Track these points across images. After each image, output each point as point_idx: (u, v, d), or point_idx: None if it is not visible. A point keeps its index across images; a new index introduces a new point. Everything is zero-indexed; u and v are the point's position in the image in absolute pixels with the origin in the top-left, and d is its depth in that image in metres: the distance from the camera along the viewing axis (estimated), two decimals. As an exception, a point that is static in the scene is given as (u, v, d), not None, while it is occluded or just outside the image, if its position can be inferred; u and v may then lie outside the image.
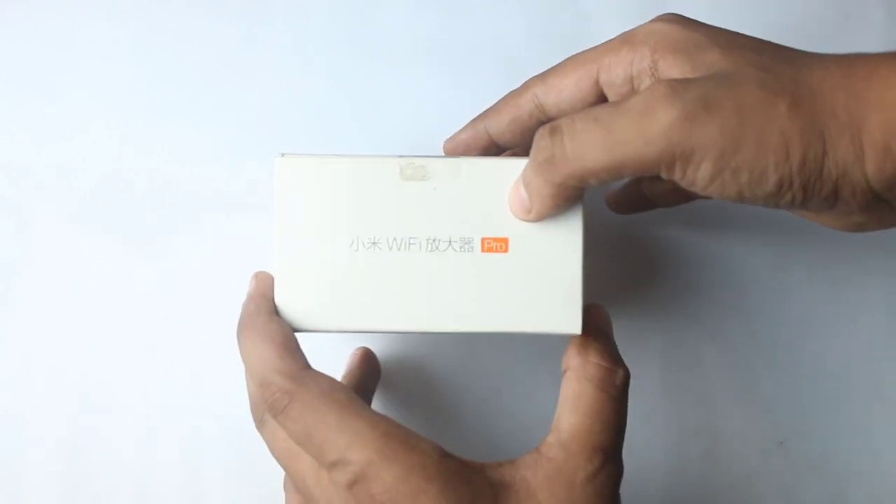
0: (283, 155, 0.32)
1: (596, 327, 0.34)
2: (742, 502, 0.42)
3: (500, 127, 0.35)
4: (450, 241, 0.31)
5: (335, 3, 0.44)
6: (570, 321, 0.31)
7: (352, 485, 0.30)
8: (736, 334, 0.43)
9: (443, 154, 0.39)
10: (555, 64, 0.34)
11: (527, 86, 0.34)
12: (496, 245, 0.31)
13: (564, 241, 0.31)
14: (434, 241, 0.31)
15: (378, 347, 0.42)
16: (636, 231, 0.42)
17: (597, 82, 0.32)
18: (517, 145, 0.36)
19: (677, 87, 0.28)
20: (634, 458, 0.38)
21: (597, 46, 0.33)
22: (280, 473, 0.41)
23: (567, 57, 0.34)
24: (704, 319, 0.43)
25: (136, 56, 0.43)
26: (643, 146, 0.28)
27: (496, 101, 0.36)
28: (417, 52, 0.44)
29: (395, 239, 0.31)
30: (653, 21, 0.32)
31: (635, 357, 0.43)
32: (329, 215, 0.32)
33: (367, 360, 0.41)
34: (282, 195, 0.32)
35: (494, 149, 0.36)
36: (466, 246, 0.31)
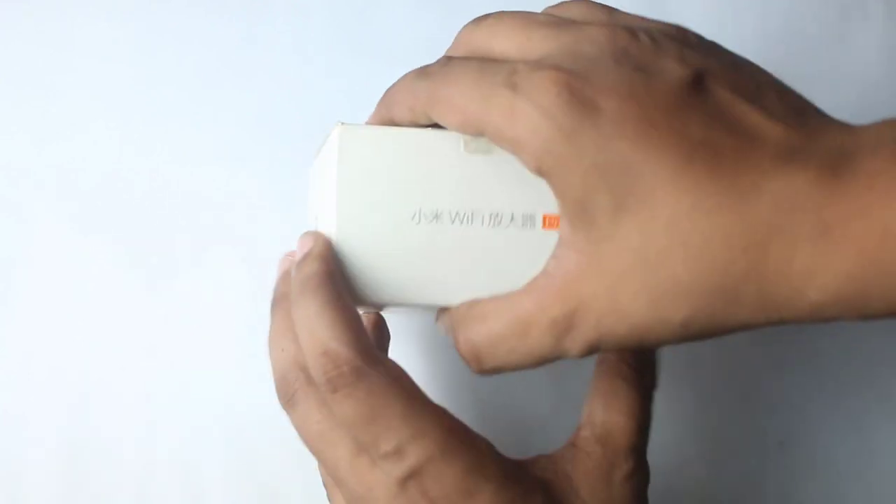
0: (343, 124, 0.31)
1: None
2: (742, 502, 0.42)
3: (403, 123, 0.32)
4: (512, 217, 0.30)
5: (335, 3, 0.44)
6: None
7: (405, 479, 0.29)
8: (737, 334, 0.43)
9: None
10: (438, 70, 0.30)
11: (415, 96, 0.31)
12: (557, 222, 0.30)
13: None
14: (497, 215, 0.30)
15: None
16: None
17: (484, 134, 0.28)
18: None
19: (573, 322, 0.27)
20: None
21: (483, 91, 0.28)
22: (279, 473, 0.41)
23: (452, 65, 0.30)
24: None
25: (136, 56, 0.43)
26: (564, 357, 0.28)
27: (392, 89, 0.33)
28: (417, 52, 0.44)
29: (457, 212, 0.30)
30: (535, 106, 0.26)
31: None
32: (390, 187, 0.30)
33: (379, 326, 0.38)
34: (341, 164, 0.30)
35: None
36: (528, 222, 0.30)
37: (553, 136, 0.26)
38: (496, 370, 0.29)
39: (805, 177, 0.25)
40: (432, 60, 0.45)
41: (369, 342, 0.30)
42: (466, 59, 0.30)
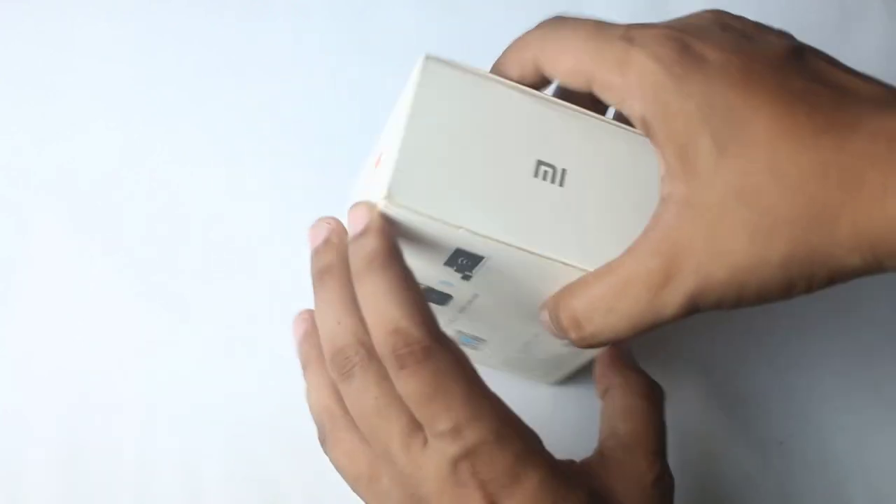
0: (427, 57, 0.32)
1: (624, 352, 0.36)
2: (742, 502, 0.42)
3: (512, 79, 0.33)
4: (554, 170, 0.31)
5: (335, 3, 0.44)
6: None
7: (459, 459, 0.29)
8: (736, 334, 0.43)
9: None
10: (555, 19, 0.32)
11: (527, 43, 0.32)
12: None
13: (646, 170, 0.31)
14: (547, 164, 0.31)
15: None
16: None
17: (589, 85, 0.30)
18: (540, 89, 0.33)
19: (672, 272, 0.28)
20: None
21: (598, 40, 0.30)
22: (279, 473, 0.41)
23: (567, 21, 0.31)
24: (704, 319, 0.43)
25: (136, 56, 0.43)
26: (660, 321, 0.29)
27: (502, 54, 0.34)
28: (417, 52, 0.44)
29: (513, 158, 0.31)
30: (648, 50, 0.29)
31: (635, 357, 0.43)
32: (456, 124, 0.31)
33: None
34: (418, 94, 0.32)
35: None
36: (562, 177, 0.31)
37: (663, 81, 0.28)
38: (595, 337, 0.30)
39: None
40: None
41: (437, 323, 0.30)
42: (580, 18, 0.31)
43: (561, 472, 0.31)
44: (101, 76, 0.43)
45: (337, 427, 0.32)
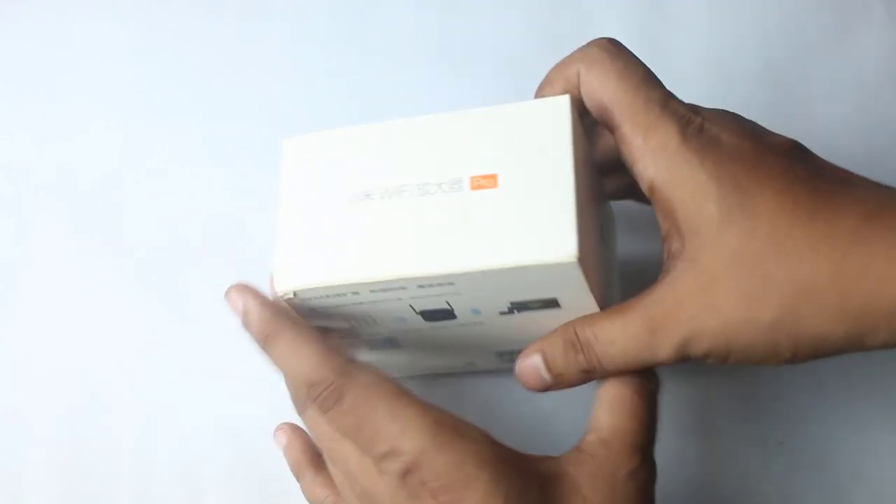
0: (287, 139, 0.33)
1: None
2: (742, 502, 0.42)
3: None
4: (439, 184, 0.31)
5: (335, 3, 0.44)
6: (566, 248, 0.30)
7: (405, 474, 0.30)
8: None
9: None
10: (602, 43, 0.33)
11: (574, 60, 0.33)
12: (485, 181, 0.31)
13: (555, 167, 0.31)
14: (424, 185, 0.31)
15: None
16: (635, 230, 0.42)
17: (611, 129, 0.32)
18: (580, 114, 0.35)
19: (668, 316, 0.30)
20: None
21: (636, 99, 0.31)
22: (279, 473, 0.41)
23: (621, 53, 0.32)
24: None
25: (136, 56, 0.43)
26: (662, 360, 0.31)
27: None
28: (417, 52, 0.44)
29: (386, 188, 0.31)
30: (675, 123, 0.31)
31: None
32: (326, 179, 0.32)
33: None
34: (286, 171, 0.33)
35: None
36: (455, 186, 0.31)
37: (681, 154, 0.30)
38: (599, 362, 0.32)
39: (890, 195, 0.30)
40: (432, 60, 0.45)
41: (341, 359, 0.32)
42: (632, 55, 0.33)
43: (514, 471, 0.31)
44: (101, 76, 0.43)
45: (305, 474, 0.37)
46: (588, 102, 0.32)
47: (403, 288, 0.31)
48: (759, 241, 0.29)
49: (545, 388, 0.34)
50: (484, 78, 0.44)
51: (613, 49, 0.33)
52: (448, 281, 0.31)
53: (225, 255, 0.43)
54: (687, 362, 0.31)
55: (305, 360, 0.32)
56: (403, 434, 0.30)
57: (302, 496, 0.41)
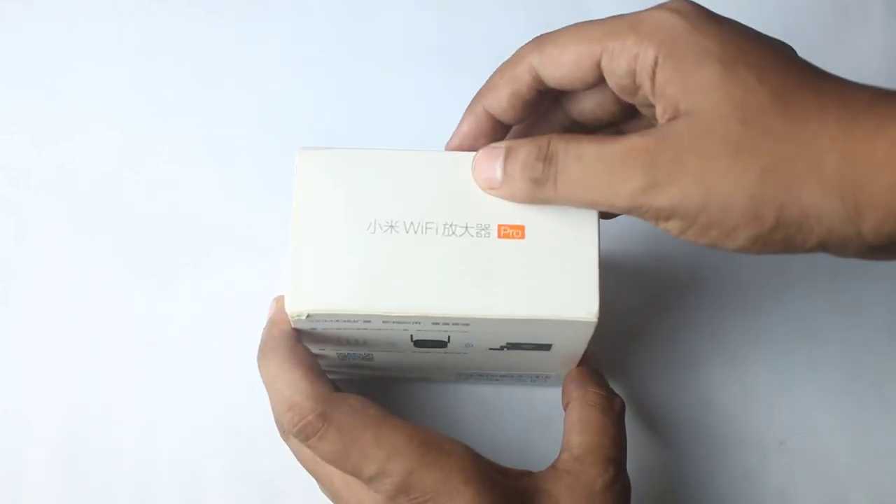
0: (303, 149, 0.32)
1: (590, 367, 0.37)
2: (742, 502, 0.42)
3: (500, 104, 0.33)
4: (466, 227, 0.31)
5: (335, 3, 0.44)
6: (587, 306, 0.31)
7: (395, 495, 0.31)
8: (736, 334, 0.43)
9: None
10: (549, 31, 0.32)
11: (521, 55, 0.32)
12: (513, 232, 0.31)
13: (580, 229, 0.31)
14: (451, 226, 0.31)
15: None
16: (635, 230, 0.42)
17: (598, 64, 0.30)
18: (521, 120, 0.34)
19: (651, 148, 0.28)
20: (634, 458, 0.38)
21: (600, 22, 0.30)
22: (279, 473, 0.41)
23: (566, 25, 0.31)
24: (704, 319, 0.43)
25: (136, 56, 0.43)
26: (613, 198, 0.29)
27: (489, 78, 0.33)
28: (417, 52, 0.44)
29: (412, 223, 0.31)
30: (663, 7, 0.29)
31: (635, 357, 0.43)
32: (346, 201, 0.31)
33: None
34: (300, 185, 0.32)
35: (501, 130, 0.34)
36: (483, 231, 0.31)
37: (679, 25, 0.29)
38: (555, 179, 0.30)
39: None
40: (432, 60, 0.45)
41: (327, 386, 0.32)
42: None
43: (497, 485, 0.32)
44: (101, 76, 0.43)
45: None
46: (564, 74, 0.31)
47: (417, 322, 0.31)
48: (764, 93, 0.27)
49: (490, 186, 0.31)
50: (484, 78, 0.44)
51: (552, 31, 0.32)
52: (465, 322, 0.31)
53: (225, 255, 0.43)
54: (639, 218, 0.29)
55: (291, 384, 0.32)
56: (391, 458, 0.31)
57: (302, 496, 0.41)
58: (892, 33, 0.46)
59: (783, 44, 0.29)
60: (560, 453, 0.35)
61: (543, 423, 0.42)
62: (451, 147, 0.34)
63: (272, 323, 0.34)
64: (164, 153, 0.43)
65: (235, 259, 0.43)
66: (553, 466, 0.35)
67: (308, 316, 0.31)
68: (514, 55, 0.32)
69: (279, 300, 0.33)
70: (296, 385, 0.32)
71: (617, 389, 0.38)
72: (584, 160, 0.29)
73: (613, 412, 0.36)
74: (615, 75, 0.30)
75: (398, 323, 0.31)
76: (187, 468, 0.42)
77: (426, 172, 0.32)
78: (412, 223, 0.31)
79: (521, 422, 0.42)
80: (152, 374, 0.42)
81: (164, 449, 0.42)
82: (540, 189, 0.30)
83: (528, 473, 0.34)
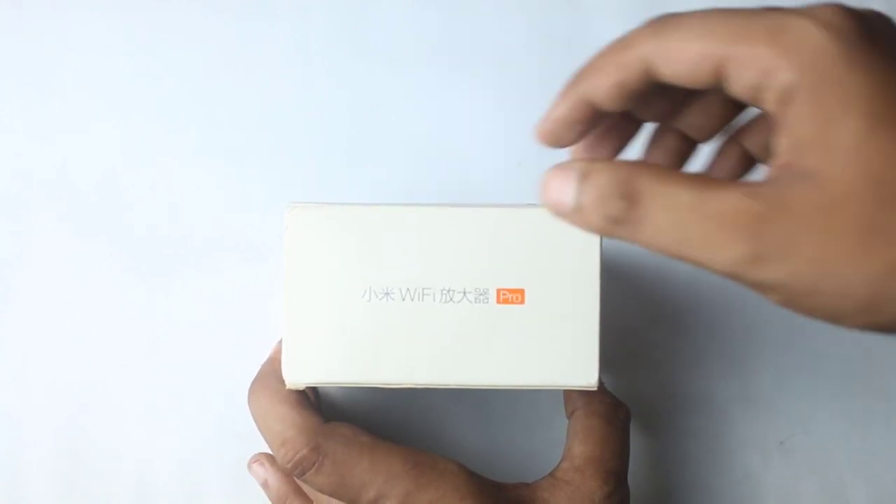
0: (293, 204, 0.31)
1: None
2: (742, 502, 0.42)
3: (603, 92, 0.27)
4: (464, 292, 0.31)
5: (335, 3, 0.44)
6: (587, 375, 0.31)
7: None
8: (736, 334, 0.43)
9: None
10: (667, 15, 0.26)
11: (634, 41, 0.26)
12: (512, 296, 0.30)
13: (581, 293, 0.31)
14: (448, 291, 0.31)
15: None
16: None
17: (720, 69, 0.25)
18: (623, 110, 0.28)
19: (763, 215, 0.23)
20: (635, 458, 0.38)
21: (733, 16, 0.25)
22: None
23: (688, 12, 0.26)
24: (704, 319, 0.43)
25: (135, 56, 0.43)
26: (707, 262, 0.24)
27: (592, 57, 0.28)
28: (417, 52, 0.44)
29: (408, 289, 0.31)
30: (813, 16, 0.24)
31: (635, 357, 0.43)
32: (340, 264, 0.31)
33: None
34: (292, 244, 0.31)
35: (599, 120, 0.28)
36: (482, 297, 0.30)
37: (829, 49, 0.23)
38: (634, 223, 0.25)
39: None
40: (433, 60, 0.45)
41: (318, 418, 0.33)
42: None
43: (490, 499, 0.33)
44: (101, 75, 0.43)
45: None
46: (681, 71, 0.26)
47: (415, 387, 0.31)
48: None
49: (558, 212, 0.26)
50: (484, 78, 0.44)
51: (675, 14, 0.26)
52: (463, 388, 0.31)
53: (226, 255, 0.43)
54: (740, 284, 0.24)
55: (280, 418, 0.33)
56: (388, 482, 0.32)
57: (302, 496, 0.41)
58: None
59: None
60: (561, 461, 0.35)
61: (544, 424, 0.42)
62: (542, 131, 0.29)
63: (269, 360, 0.35)
64: (164, 153, 0.43)
65: (236, 259, 0.43)
66: (552, 475, 0.35)
67: (305, 385, 0.32)
68: (624, 38, 0.27)
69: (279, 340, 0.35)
70: (285, 419, 0.32)
71: (616, 389, 0.38)
72: (677, 212, 0.24)
73: (619, 420, 0.36)
74: (737, 84, 0.25)
75: (395, 387, 0.31)
76: (187, 468, 0.42)
77: (422, 230, 0.31)
78: (408, 290, 0.31)
79: (522, 422, 0.42)
80: (152, 374, 0.42)
81: (164, 449, 0.42)
82: (618, 229, 0.25)
83: (524, 485, 0.35)
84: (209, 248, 0.43)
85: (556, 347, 0.30)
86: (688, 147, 0.31)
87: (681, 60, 0.25)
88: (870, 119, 0.23)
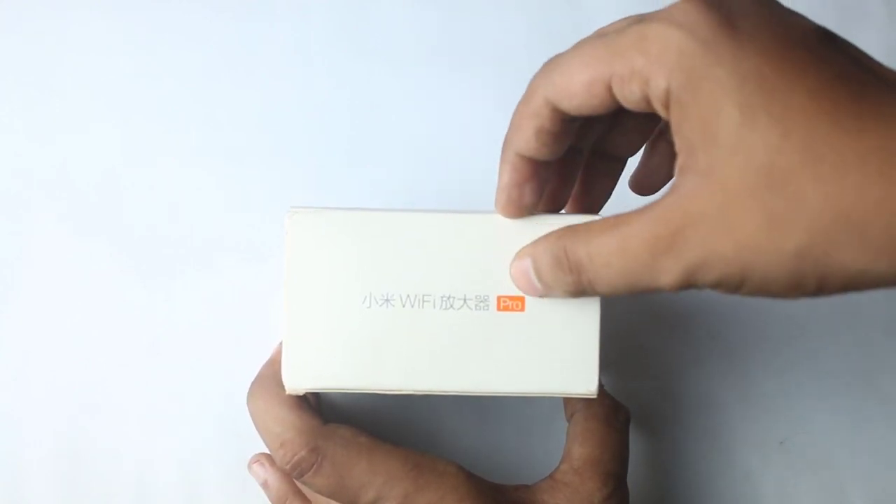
0: (293, 209, 0.31)
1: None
2: (742, 502, 0.42)
3: (529, 145, 0.29)
4: (465, 299, 0.30)
5: (335, 3, 0.44)
6: (587, 383, 0.31)
7: None
8: (736, 334, 0.43)
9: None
10: (556, 56, 0.29)
11: (533, 90, 0.29)
12: (512, 304, 0.30)
13: (581, 301, 0.30)
14: (449, 298, 0.30)
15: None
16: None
17: (609, 89, 0.27)
18: (558, 154, 0.30)
19: (676, 231, 0.25)
20: (635, 458, 0.38)
21: (604, 39, 0.27)
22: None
23: (566, 51, 0.28)
24: (704, 319, 0.43)
25: (136, 56, 0.43)
26: (658, 286, 0.26)
27: (511, 119, 0.30)
28: (417, 52, 0.44)
29: (408, 296, 0.30)
30: (669, 20, 0.25)
31: (635, 357, 0.43)
32: (340, 270, 0.31)
33: None
34: (292, 250, 0.31)
35: (543, 170, 0.30)
36: (482, 304, 0.30)
37: (690, 48, 0.24)
38: (591, 285, 0.28)
39: None
40: (433, 60, 0.45)
41: (317, 419, 0.33)
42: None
43: (489, 500, 0.33)
44: (101, 75, 0.43)
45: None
46: (579, 102, 0.28)
47: (415, 394, 0.31)
48: (791, 152, 0.23)
49: (539, 295, 0.30)
50: (484, 78, 0.44)
51: (555, 56, 0.29)
52: (463, 395, 0.31)
53: (226, 255, 0.43)
54: (691, 289, 0.26)
55: (279, 420, 0.33)
56: (387, 483, 0.32)
57: (302, 496, 0.41)
58: (892, 33, 0.46)
59: (821, 41, 0.25)
60: (560, 463, 0.35)
61: (544, 426, 0.42)
62: (500, 204, 0.31)
63: (269, 362, 0.35)
64: (164, 153, 0.43)
65: (236, 259, 0.43)
66: (552, 477, 0.35)
67: (305, 391, 0.31)
68: (527, 90, 0.29)
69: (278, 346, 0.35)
70: (284, 420, 0.33)
71: (616, 389, 0.38)
72: (613, 259, 0.26)
73: (618, 422, 0.36)
74: (629, 101, 0.27)
75: (395, 393, 0.31)
76: (187, 468, 0.42)
77: (423, 236, 0.31)
78: (408, 296, 0.30)
79: (522, 424, 0.42)
80: (152, 374, 0.42)
81: (164, 449, 0.42)
82: (582, 293, 0.28)
83: (524, 486, 0.35)
84: (209, 249, 0.43)
85: (556, 355, 0.30)
86: (618, 164, 0.33)
87: (575, 93, 0.27)
88: (744, 110, 0.24)
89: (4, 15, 0.43)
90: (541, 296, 0.30)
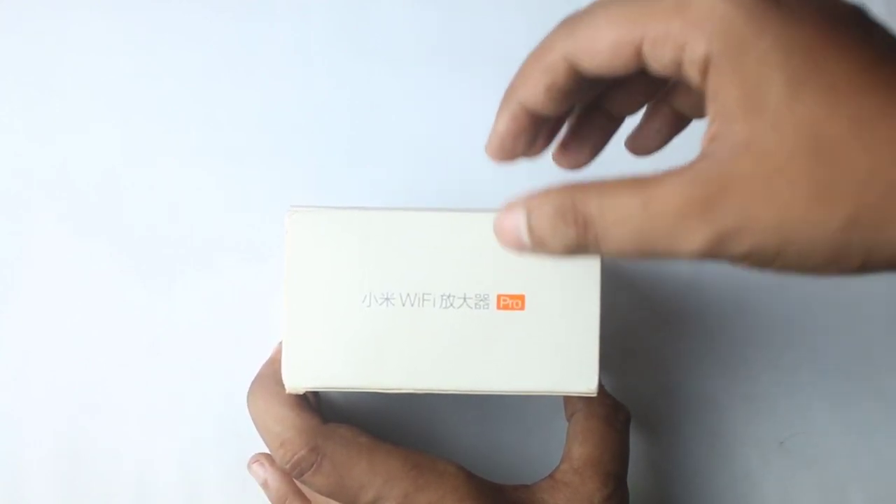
0: (293, 209, 0.31)
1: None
2: (742, 502, 0.42)
3: (537, 99, 0.28)
4: (465, 298, 0.30)
5: (335, 3, 0.44)
6: (587, 381, 0.31)
7: None
8: (736, 334, 0.43)
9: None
10: (578, 11, 0.27)
11: (552, 42, 0.27)
12: (512, 302, 0.30)
13: (582, 300, 0.30)
14: (448, 297, 0.30)
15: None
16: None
17: (639, 52, 0.25)
18: (561, 111, 0.29)
19: (713, 197, 0.24)
20: (635, 458, 0.38)
21: (637, 1, 0.25)
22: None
23: (592, 3, 0.27)
24: (704, 319, 0.43)
25: (136, 56, 0.43)
26: (676, 254, 0.25)
27: (520, 68, 0.28)
28: (417, 52, 0.44)
29: (408, 294, 0.31)
30: None
31: (635, 357, 0.43)
32: (340, 269, 0.31)
33: None
34: (292, 249, 0.31)
35: (542, 125, 0.29)
36: (482, 303, 0.30)
37: (733, 15, 0.24)
38: (596, 243, 0.25)
39: None
40: (433, 60, 0.45)
41: (317, 419, 0.33)
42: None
43: (489, 500, 0.33)
44: (101, 75, 0.43)
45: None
46: (602, 61, 0.26)
47: (415, 392, 0.31)
48: (840, 123, 0.23)
49: (522, 251, 0.27)
50: (484, 78, 0.44)
51: (580, 11, 0.27)
52: (463, 393, 0.31)
53: (226, 255, 0.43)
54: (714, 259, 0.25)
55: (280, 419, 0.33)
56: (386, 483, 0.32)
57: (302, 496, 0.41)
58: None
59: (859, 21, 0.25)
60: (560, 462, 0.35)
61: (544, 425, 0.42)
62: (491, 148, 0.30)
63: (269, 361, 0.35)
64: (164, 153, 0.43)
65: (236, 259, 0.43)
66: (552, 477, 0.35)
67: (305, 390, 0.31)
68: (543, 41, 0.27)
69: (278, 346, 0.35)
70: (284, 420, 0.32)
71: (616, 390, 0.38)
72: (630, 220, 0.24)
73: (618, 423, 0.36)
74: (658, 63, 0.25)
75: (394, 391, 0.31)
76: (187, 468, 0.42)
77: (423, 235, 0.31)
78: (408, 295, 0.30)
79: (522, 424, 0.42)
80: (152, 375, 0.42)
81: (164, 449, 0.42)
82: (581, 250, 0.26)
83: (524, 486, 0.35)
84: (209, 249, 0.43)
85: (556, 353, 0.30)
86: (614, 123, 0.31)
87: (600, 52, 0.26)
88: (790, 82, 0.23)
89: (4, 15, 0.43)
90: (525, 252, 0.27)
